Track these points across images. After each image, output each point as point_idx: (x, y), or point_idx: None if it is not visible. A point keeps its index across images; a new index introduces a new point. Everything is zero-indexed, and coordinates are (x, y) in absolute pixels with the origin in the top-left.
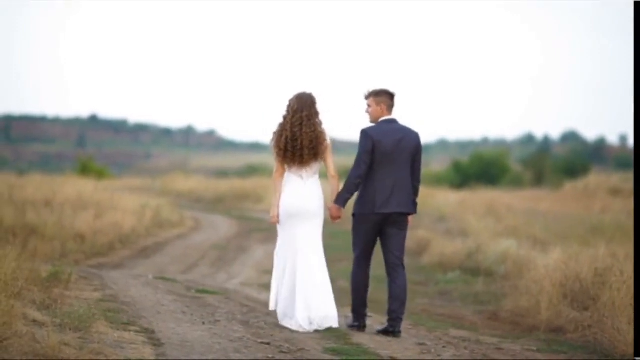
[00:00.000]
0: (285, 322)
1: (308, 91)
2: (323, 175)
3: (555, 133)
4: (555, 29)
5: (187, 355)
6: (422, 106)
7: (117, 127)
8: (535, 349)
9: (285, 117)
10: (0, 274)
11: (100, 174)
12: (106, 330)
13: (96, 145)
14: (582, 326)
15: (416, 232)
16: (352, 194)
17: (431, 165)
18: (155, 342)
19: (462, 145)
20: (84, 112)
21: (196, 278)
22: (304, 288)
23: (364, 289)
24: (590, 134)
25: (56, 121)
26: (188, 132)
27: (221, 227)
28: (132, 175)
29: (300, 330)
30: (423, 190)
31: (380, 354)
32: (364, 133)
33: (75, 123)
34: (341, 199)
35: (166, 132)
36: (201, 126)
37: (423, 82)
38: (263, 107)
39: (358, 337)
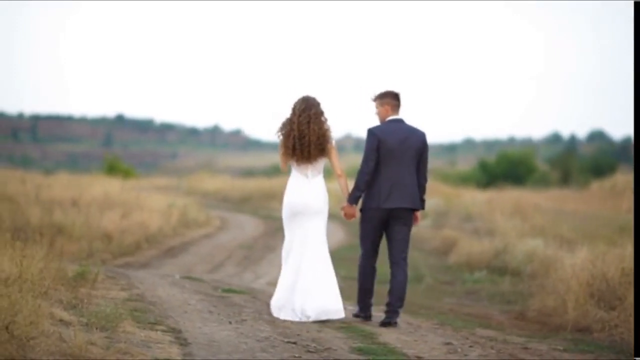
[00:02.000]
0: (282, 315)
1: (312, 94)
2: (329, 174)
3: (581, 132)
4: (586, 28)
5: (214, 354)
6: (449, 106)
7: (144, 127)
8: (562, 348)
9: (291, 118)
10: (27, 274)
11: (126, 174)
12: (133, 329)
13: (122, 145)
14: (609, 326)
15: (442, 231)
16: (362, 191)
17: (458, 165)
18: (182, 342)
19: (489, 145)
20: (110, 111)
21: (223, 277)
22: (306, 280)
23: (369, 279)
24: (617, 133)
25: (83, 121)
26: (214, 131)
27: (248, 226)
28: (159, 175)
29: (296, 319)
30: (450, 190)
31: (406, 353)
32: (370, 132)
33: (101, 123)
34: (353, 197)
35: (192, 132)
36: (227, 126)
37: (450, 82)
38: (290, 107)
39: (384, 336)
